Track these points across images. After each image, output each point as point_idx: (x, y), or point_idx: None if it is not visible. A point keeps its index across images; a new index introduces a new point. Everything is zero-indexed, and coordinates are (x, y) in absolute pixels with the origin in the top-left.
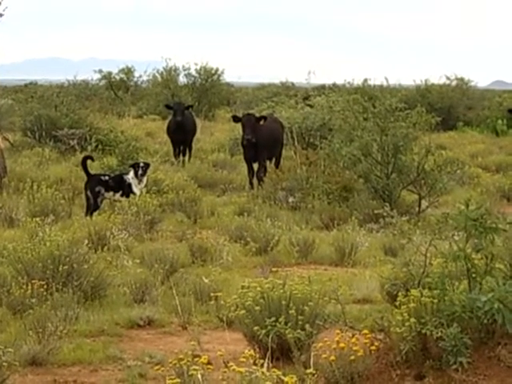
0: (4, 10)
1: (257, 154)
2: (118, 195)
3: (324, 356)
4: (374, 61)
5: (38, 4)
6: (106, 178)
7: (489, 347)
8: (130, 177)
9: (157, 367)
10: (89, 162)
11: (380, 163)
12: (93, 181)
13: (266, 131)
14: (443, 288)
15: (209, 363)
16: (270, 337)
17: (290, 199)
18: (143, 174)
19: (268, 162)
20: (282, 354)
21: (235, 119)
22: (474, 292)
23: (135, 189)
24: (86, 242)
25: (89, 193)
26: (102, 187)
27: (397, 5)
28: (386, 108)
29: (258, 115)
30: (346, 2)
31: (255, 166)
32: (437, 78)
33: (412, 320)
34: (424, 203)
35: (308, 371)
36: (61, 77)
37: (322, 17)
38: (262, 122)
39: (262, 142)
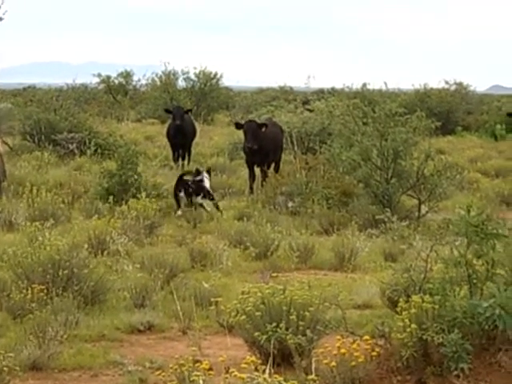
0: (4, 14)
1: (260, 158)
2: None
3: (325, 362)
4: (373, 65)
5: (38, 8)
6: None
7: (490, 353)
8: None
9: (157, 372)
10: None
11: (380, 168)
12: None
13: (267, 136)
14: (444, 294)
15: (210, 369)
16: (271, 342)
17: (290, 204)
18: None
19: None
20: (283, 359)
21: (237, 126)
22: (475, 298)
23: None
24: (86, 246)
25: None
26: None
27: (397, 8)
28: (385, 113)
29: (259, 121)
30: (347, 5)
31: (257, 170)
32: (436, 82)
33: (413, 326)
34: (424, 208)
35: (309, 377)
36: (60, 81)
37: (321, 20)
38: (263, 130)
39: (263, 147)
